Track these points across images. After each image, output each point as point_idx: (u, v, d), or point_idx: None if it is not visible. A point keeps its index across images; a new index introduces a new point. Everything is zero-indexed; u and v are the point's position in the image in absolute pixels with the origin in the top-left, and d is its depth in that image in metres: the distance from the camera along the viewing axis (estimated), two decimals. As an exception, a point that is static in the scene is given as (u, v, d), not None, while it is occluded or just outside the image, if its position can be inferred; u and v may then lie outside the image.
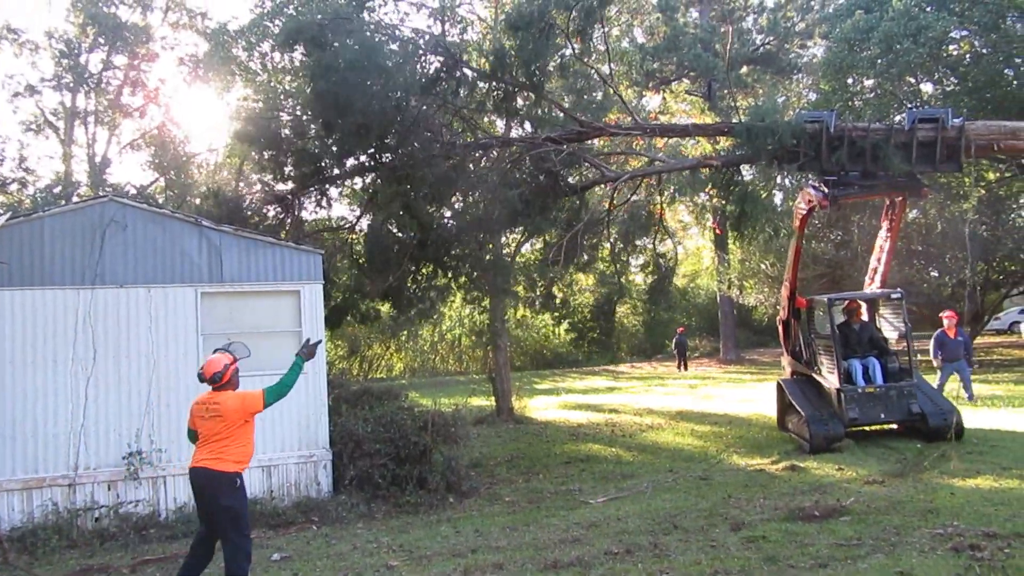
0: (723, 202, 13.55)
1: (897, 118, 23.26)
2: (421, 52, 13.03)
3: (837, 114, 12.50)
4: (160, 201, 26.49)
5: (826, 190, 12.34)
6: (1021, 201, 27.86)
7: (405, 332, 32.16)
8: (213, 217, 11.67)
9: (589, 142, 14.84)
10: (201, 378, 6.21)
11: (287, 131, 13.74)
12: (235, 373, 6.30)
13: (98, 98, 31.10)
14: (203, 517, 6.18)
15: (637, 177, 15.03)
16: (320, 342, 6.66)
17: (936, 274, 26.54)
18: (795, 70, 35.55)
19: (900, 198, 13.09)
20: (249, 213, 13.53)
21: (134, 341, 9.72)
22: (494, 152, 14.01)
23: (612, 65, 15.49)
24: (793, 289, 14.37)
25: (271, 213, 14.35)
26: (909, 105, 24.89)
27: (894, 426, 12.62)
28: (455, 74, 12.88)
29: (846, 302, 13.06)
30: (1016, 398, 15.72)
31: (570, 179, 14.48)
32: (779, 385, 14.17)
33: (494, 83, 13.18)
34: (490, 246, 15.35)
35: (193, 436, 6.28)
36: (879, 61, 21.80)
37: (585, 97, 14.61)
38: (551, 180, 13.60)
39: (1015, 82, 22.08)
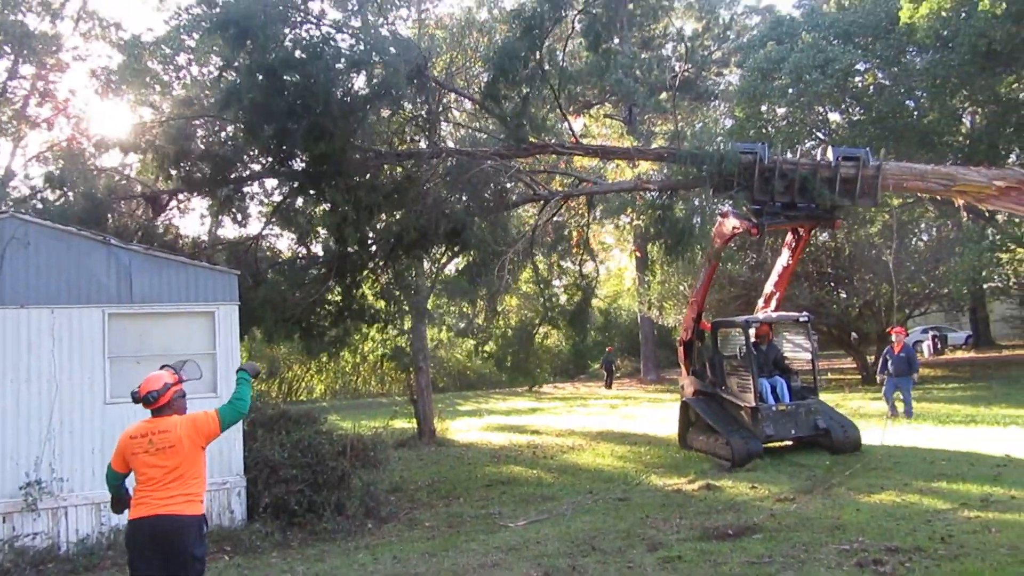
0: (652, 225, 13.73)
1: (806, 145, 24.31)
2: (376, 56, 12.48)
3: (769, 147, 13.05)
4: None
5: (754, 219, 12.91)
6: (922, 226, 29.32)
7: (325, 354, 31.64)
8: (63, 215, 11.13)
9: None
10: (135, 397, 5.11)
11: (200, 137, 13.32)
12: (178, 396, 5.20)
13: (1, 108, 29.73)
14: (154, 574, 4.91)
15: (572, 196, 15.15)
16: (256, 366, 5.76)
17: (844, 295, 27.59)
18: (712, 97, 36.74)
19: (810, 228, 13.70)
20: (109, 215, 12.74)
21: (35, 364, 9.26)
22: (433, 164, 13.73)
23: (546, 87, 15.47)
24: (700, 311, 14.89)
25: (137, 214, 13.65)
26: (821, 135, 26.05)
27: (789, 442, 13.25)
28: (416, 81, 12.37)
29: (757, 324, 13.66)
30: (919, 415, 16.43)
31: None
32: (684, 404, 14.74)
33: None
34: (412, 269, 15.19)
35: (116, 477, 5.17)
36: (790, 90, 22.76)
37: (538, 114, 14.62)
38: (496, 194, 13.56)
39: (915, 113, 23.33)
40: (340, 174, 12.03)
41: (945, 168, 12.77)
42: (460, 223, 12.65)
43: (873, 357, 26.35)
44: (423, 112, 13.33)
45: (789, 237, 14.19)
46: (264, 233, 15.03)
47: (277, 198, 15.42)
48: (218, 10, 12.43)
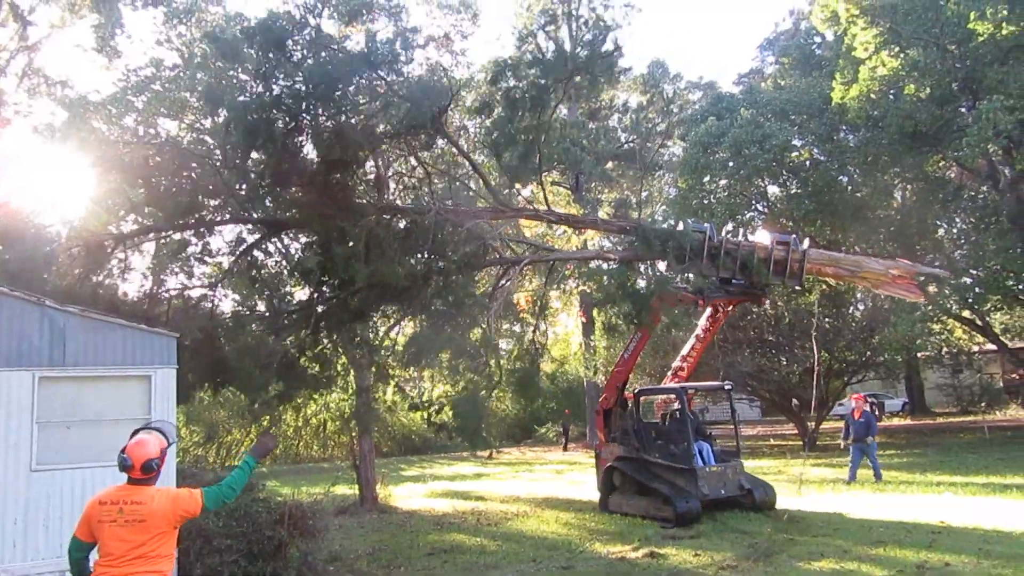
0: (612, 294, 14.11)
1: (746, 216, 25.10)
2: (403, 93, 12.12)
3: (715, 227, 14.07)
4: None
5: (704, 291, 14.01)
6: (858, 296, 30.29)
7: (266, 417, 30.89)
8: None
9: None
10: (125, 466, 4.54)
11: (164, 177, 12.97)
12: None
13: (-62, 163, 29.02)
14: None
15: (539, 261, 15.44)
16: (275, 438, 5.27)
17: (785, 362, 28.16)
18: (656, 167, 37.77)
19: (738, 303, 14.64)
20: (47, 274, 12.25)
21: (-43, 429, 8.88)
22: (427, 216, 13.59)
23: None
24: (626, 380, 15.45)
25: (112, 257, 13.15)
26: (760, 207, 26.95)
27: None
28: (434, 123, 12.11)
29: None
30: (856, 481, 16.70)
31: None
32: (610, 469, 15.14)
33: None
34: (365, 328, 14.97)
35: (80, 548, 4.60)
36: (730, 164, 23.58)
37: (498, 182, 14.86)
38: (479, 253, 13.64)
39: (849, 188, 24.34)
40: (344, 210, 11.77)
41: (854, 256, 14.37)
42: (449, 277, 12.69)
43: (813, 424, 26.84)
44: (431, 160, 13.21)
45: (708, 312, 15.11)
46: (206, 292, 14.71)
47: (222, 257, 15.19)
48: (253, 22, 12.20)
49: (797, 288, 15.96)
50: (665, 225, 13.46)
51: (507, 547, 12.61)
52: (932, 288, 21.67)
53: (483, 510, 16.89)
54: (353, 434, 18.95)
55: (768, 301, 16.06)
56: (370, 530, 14.94)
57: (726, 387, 15.85)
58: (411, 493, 20.59)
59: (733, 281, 13.79)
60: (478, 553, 12.18)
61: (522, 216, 14.65)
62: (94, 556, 4.63)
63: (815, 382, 19.04)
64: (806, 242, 14.16)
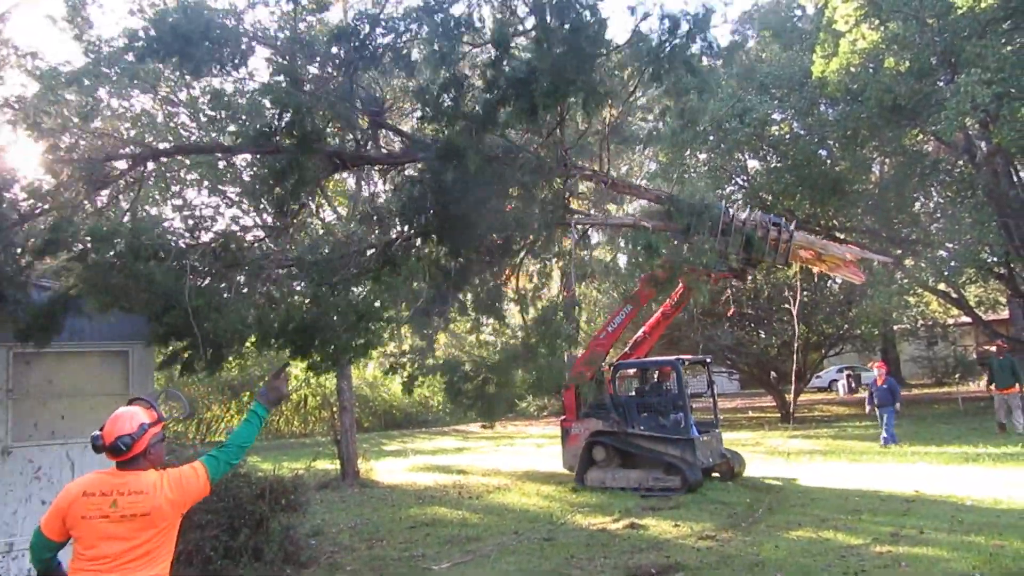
0: (639, 260, 14.01)
1: (726, 190, 25.14)
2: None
3: (726, 204, 14.27)
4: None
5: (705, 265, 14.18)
6: (836, 269, 30.53)
7: (247, 393, 30.79)
8: None
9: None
10: (96, 444, 3.69)
11: None
12: (156, 440, 3.83)
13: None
14: None
15: (583, 225, 15.38)
16: (286, 366, 4.48)
17: (763, 335, 28.40)
18: (637, 141, 37.63)
19: (722, 278, 14.97)
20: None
21: (-70, 406, 8.76)
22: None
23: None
24: (605, 355, 15.73)
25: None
26: (741, 180, 26.98)
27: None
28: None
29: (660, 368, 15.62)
30: (833, 452, 16.96)
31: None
32: (591, 444, 15.16)
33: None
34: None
35: (48, 547, 3.70)
36: (711, 138, 23.53)
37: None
38: (561, 205, 13.39)
39: (828, 161, 24.40)
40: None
41: (822, 240, 14.85)
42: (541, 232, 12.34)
43: (791, 396, 27.16)
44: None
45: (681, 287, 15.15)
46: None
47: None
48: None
49: (779, 265, 16.19)
50: (700, 199, 13.40)
51: (488, 520, 12.70)
52: (909, 261, 21.91)
53: (464, 484, 16.97)
54: (334, 409, 18.86)
55: (750, 276, 16.36)
56: (352, 504, 14.98)
57: (706, 360, 16.36)
58: (393, 468, 20.64)
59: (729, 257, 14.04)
60: (460, 526, 12.25)
61: (583, 175, 14.61)
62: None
63: (794, 356, 19.34)
64: (793, 224, 14.36)
